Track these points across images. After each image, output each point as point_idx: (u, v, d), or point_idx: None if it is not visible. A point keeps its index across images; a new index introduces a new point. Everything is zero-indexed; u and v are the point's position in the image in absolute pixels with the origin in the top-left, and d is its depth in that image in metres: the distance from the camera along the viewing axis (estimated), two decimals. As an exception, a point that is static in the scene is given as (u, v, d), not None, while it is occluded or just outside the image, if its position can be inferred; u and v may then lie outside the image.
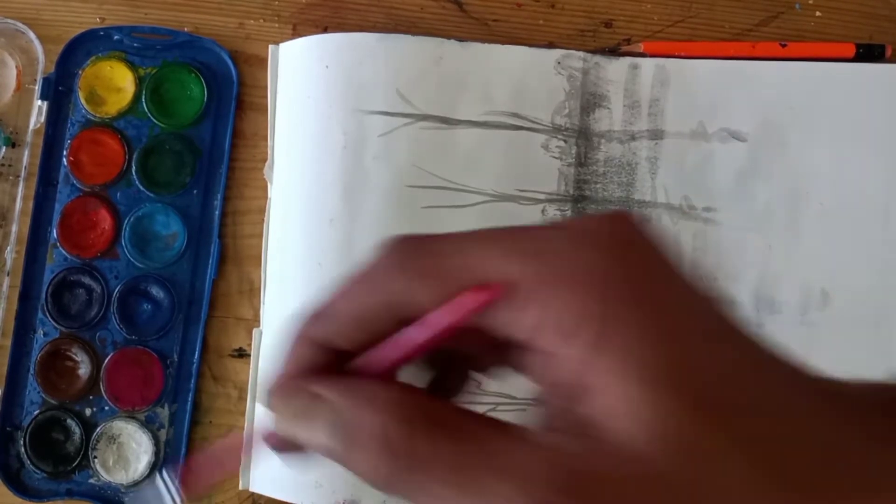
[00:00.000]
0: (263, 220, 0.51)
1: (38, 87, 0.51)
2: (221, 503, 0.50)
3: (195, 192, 0.51)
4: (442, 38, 0.51)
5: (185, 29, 0.52)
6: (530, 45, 0.51)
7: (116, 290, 0.50)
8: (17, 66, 0.51)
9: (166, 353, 0.50)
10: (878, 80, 0.52)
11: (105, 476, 0.49)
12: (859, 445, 0.24)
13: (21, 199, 0.51)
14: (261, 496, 0.50)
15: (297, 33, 0.52)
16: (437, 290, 0.25)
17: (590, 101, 0.52)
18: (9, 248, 0.51)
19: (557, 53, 0.51)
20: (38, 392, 0.50)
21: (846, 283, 0.51)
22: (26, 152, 0.51)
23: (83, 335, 0.50)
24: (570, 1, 0.54)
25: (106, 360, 0.50)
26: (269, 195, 0.51)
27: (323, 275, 0.49)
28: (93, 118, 0.51)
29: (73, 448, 0.50)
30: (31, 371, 0.50)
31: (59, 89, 0.51)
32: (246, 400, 0.50)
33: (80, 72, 0.51)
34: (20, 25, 0.51)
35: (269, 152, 0.51)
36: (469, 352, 0.29)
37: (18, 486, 0.49)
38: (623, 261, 0.25)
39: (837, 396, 0.25)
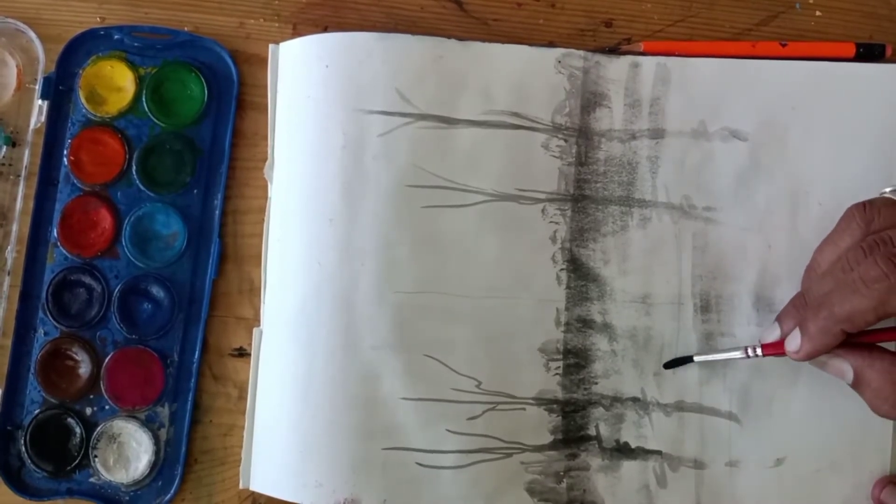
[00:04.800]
0: (264, 219, 0.51)
1: (38, 87, 0.51)
2: (221, 502, 0.50)
3: (195, 191, 0.51)
4: (442, 38, 0.51)
5: (186, 28, 0.52)
6: (530, 45, 0.51)
7: (117, 289, 0.50)
8: (17, 66, 0.52)
9: (166, 353, 0.50)
10: (878, 80, 0.52)
11: (105, 475, 0.49)
12: None
13: (21, 199, 0.51)
14: (261, 495, 0.50)
15: (297, 33, 0.52)
16: None
17: (590, 100, 0.52)
18: (9, 247, 0.51)
19: (558, 52, 0.51)
20: (39, 391, 0.50)
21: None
22: (27, 152, 0.51)
23: (83, 334, 0.50)
24: (571, 0, 0.54)
25: (106, 360, 0.50)
26: (269, 194, 0.51)
27: (323, 274, 0.49)
28: (93, 117, 0.51)
29: (73, 447, 0.50)
30: (32, 370, 0.50)
31: (59, 89, 0.51)
32: (246, 399, 0.51)
33: (80, 71, 0.51)
34: (21, 25, 0.51)
35: (270, 152, 0.51)
36: None
37: (19, 485, 0.50)
38: None
39: None
